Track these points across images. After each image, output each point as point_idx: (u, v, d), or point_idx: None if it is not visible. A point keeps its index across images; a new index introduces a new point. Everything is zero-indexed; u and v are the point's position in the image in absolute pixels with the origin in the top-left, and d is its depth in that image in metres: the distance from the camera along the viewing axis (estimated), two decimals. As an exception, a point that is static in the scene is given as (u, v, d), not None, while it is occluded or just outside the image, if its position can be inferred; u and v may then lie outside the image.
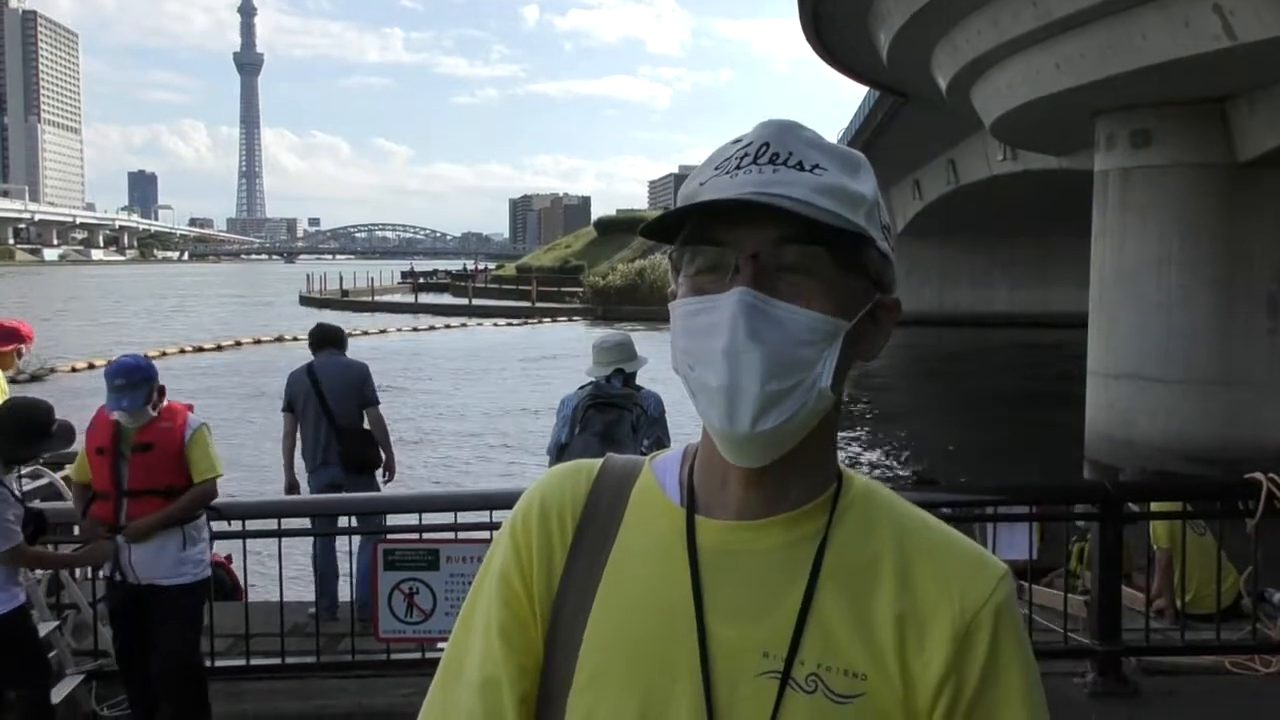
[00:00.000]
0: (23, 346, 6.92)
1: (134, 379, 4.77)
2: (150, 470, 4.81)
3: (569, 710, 1.06)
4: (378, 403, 7.56)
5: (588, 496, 1.15)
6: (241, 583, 8.01)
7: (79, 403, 19.75)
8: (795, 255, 1.02)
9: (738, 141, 1.07)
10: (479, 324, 49.84)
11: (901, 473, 17.78)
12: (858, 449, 19.74)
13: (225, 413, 22.10)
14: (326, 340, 7.68)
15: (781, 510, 1.07)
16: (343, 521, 6.36)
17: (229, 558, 8.11)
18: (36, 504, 5.33)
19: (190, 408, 5.04)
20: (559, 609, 1.10)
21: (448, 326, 48.08)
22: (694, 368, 1.03)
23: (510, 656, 1.10)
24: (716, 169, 1.06)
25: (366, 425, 7.46)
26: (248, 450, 18.19)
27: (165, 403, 4.93)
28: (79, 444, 5.01)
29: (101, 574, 5.08)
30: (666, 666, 1.04)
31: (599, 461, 1.19)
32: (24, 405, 5.04)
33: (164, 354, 33.74)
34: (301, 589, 7.17)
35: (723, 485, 1.09)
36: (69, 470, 5.99)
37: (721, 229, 1.03)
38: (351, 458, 7.38)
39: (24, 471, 5.85)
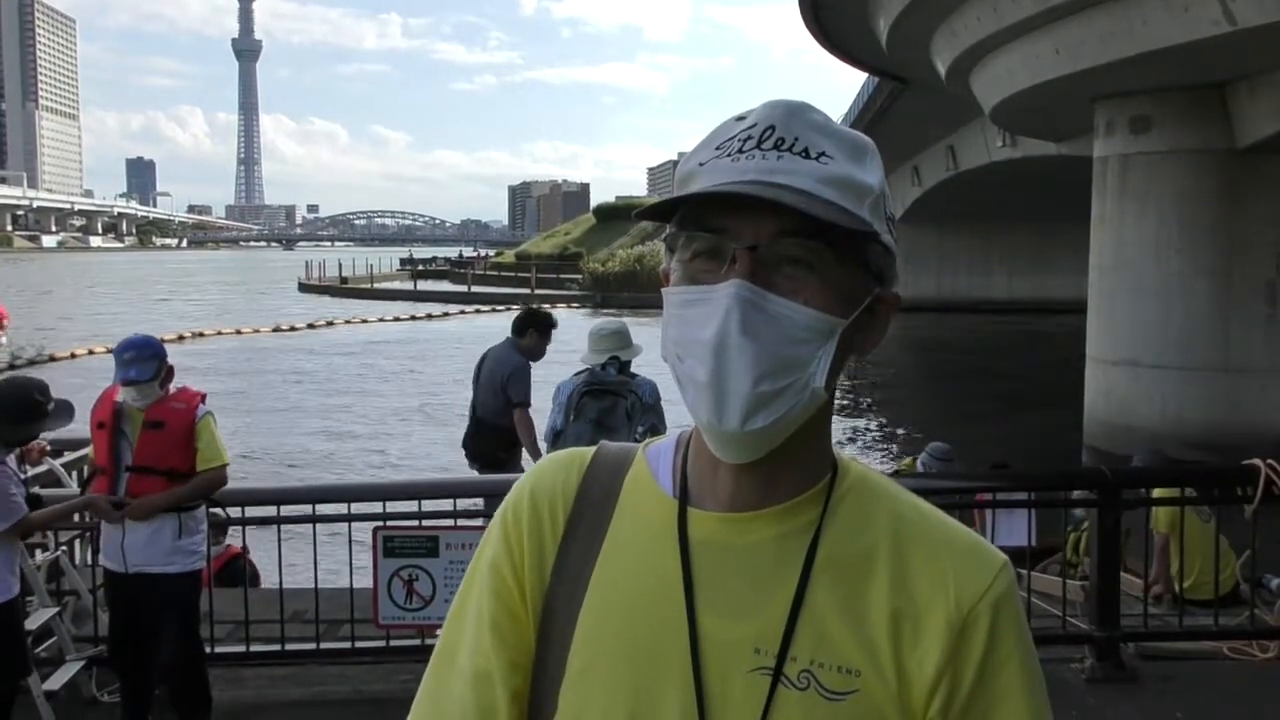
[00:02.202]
0: None
1: (144, 353, 4.78)
2: (157, 448, 4.80)
3: (560, 704, 1.05)
4: (522, 403, 7.20)
5: (579, 486, 1.13)
6: (259, 571, 8.00)
7: (81, 389, 19.77)
8: (795, 249, 0.98)
9: (742, 119, 1.03)
10: (478, 311, 49.81)
11: (897, 458, 17.78)
12: (853, 437, 19.76)
13: (228, 402, 22.08)
14: (513, 327, 7.50)
15: (774, 502, 1.05)
16: (344, 508, 6.35)
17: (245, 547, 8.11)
18: (35, 489, 5.33)
19: (203, 396, 5.04)
20: (550, 601, 1.08)
21: (446, 314, 48.05)
22: (683, 359, 1.00)
23: (501, 650, 1.08)
24: (718, 149, 1.01)
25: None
26: (252, 440, 18.21)
27: (179, 387, 4.94)
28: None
29: (101, 561, 5.07)
30: (657, 661, 1.02)
31: (591, 450, 1.17)
32: (19, 385, 5.03)
33: (163, 340, 33.71)
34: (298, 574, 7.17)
35: (714, 476, 1.06)
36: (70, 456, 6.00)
37: (720, 216, 0.99)
38: (480, 452, 7.29)
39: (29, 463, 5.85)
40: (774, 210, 0.96)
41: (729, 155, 1.00)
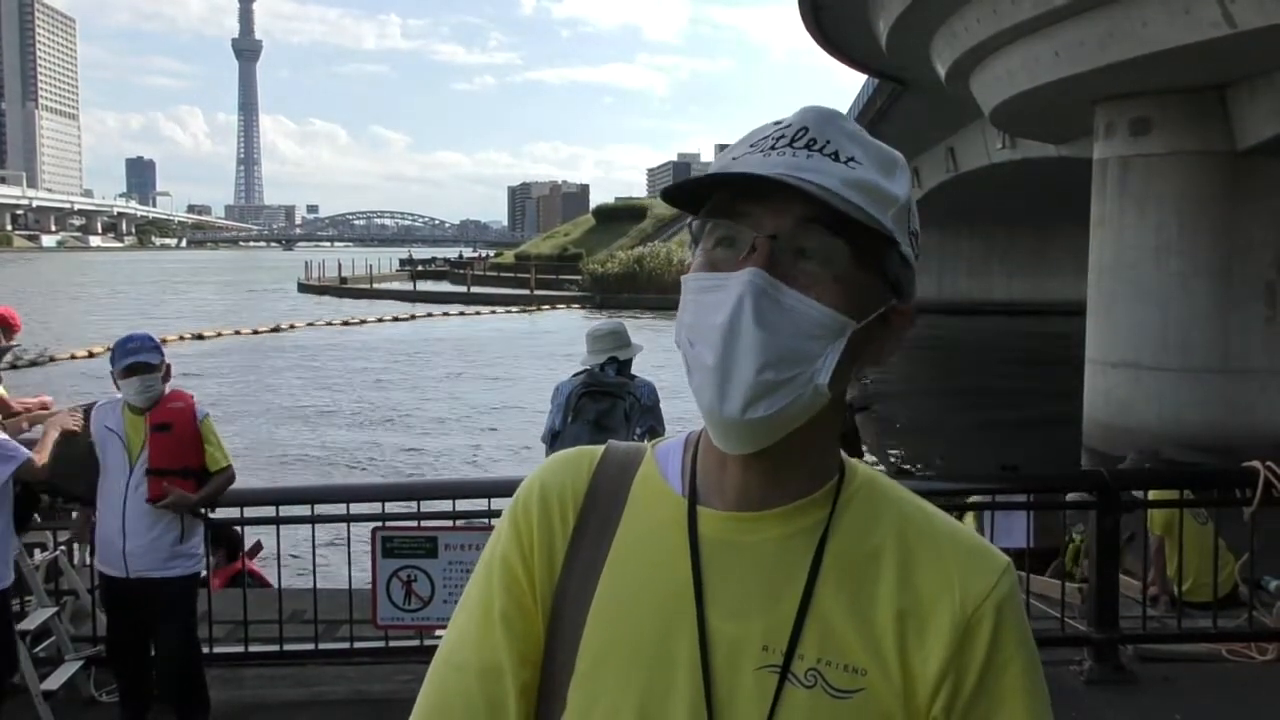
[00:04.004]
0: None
1: (148, 344, 4.83)
2: (170, 450, 4.83)
3: (569, 700, 1.05)
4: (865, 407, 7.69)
5: (589, 485, 1.14)
6: (266, 578, 7.96)
7: (83, 388, 19.75)
8: (814, 243, 0.99)
9: (778, 123, 1.05)
10: (477, 312, 49.83)
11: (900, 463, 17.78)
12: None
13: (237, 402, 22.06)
14: None
15: (782, 502, 1.06)
16: (344, 509, 6.34)
17: (257, 545, 8.07)
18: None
19: (192, 397, 5.06)
20: (560, 598, 1.09)
21: (446, 315, 48.06)
22: (694, 344, 1.01)
23: (512, 644, 1.09)
24: (751, 146, 1.04)
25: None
26: (251, 439, 18.20)
27: (172, 389, 4.97)
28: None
29: (98, 567, 5.00)
30: (666, 658, 1.03)
31: (600, 449, 1.18)
32: None
33: (164, 340, 33.67)
34: (296, 575, 7.17)
35: (722, 475, 1.07)
36: None
37: (745, 205, 1.01)
38: None
39: None
40: (798, 202, 0.98)
41: (761, 151, 1.02)
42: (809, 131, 1.02)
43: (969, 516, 6.47)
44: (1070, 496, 6.54)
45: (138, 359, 4.74)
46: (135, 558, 4.76)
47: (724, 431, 1.02)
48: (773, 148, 1.02)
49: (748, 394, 0.98)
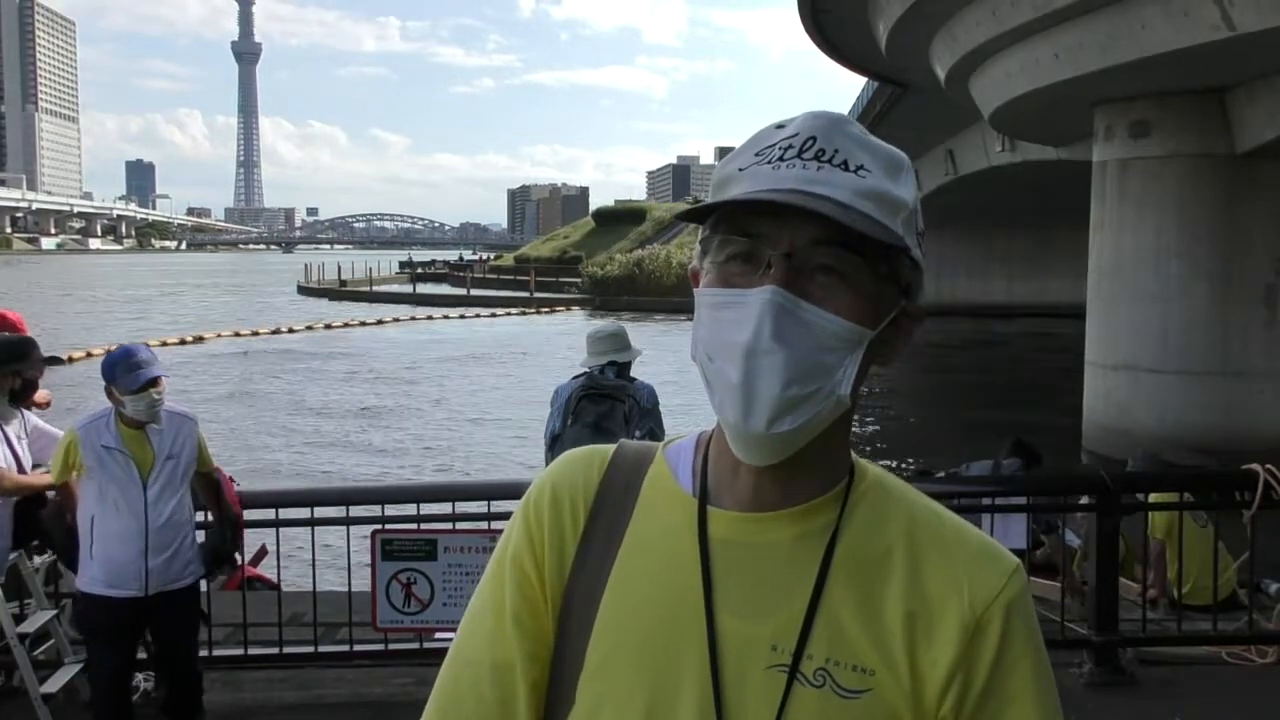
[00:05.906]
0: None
1: (153, 357, 4.66)
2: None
3: (578, 698, 1.06)
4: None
5: (600, 484, 1.15)
6: (271, 580, 7.93)
7: (80, 392, 19.74)
8: (830, 258, 1.00)
9: (781, 128, 1.05)
10: (477, 314, 49.83)
11: (897, 462, 17.78)
12: (852, 439, 19.73)
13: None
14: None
15: (793, 503, 1.07)
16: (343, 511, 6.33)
17: (262, 550, 8.04)
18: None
19: None
20: (570, 596, 1.10)
21: (445, 317, 48.06)
22: (714, 360, 1.02)
23: (523, 641, 1.10)
24: (757, 155, 1.03)
25: None
26: (251, 442, 18.20)
27: None
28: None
29: (105, 592, 4.57)
30: (675, 657, 1.04)
31: (611, 448, 1.18)
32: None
33: (164, 343, 33.68)
34: (295, 578, 7.16)
35: (735, 476, 1.08)
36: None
37: (758, 222, 1.01)
38: None
39: None
40: (811, 219, 0.98)
41: (769, 162, 1.02)
42: (817, 141, 1.01)
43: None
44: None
45: (153, 373, 4.53)
46: (158, 574, 4.58)
47: (747, 445, 1.03)
48: (781, 159, 1.01)
49: (773, 410, 0.99)
